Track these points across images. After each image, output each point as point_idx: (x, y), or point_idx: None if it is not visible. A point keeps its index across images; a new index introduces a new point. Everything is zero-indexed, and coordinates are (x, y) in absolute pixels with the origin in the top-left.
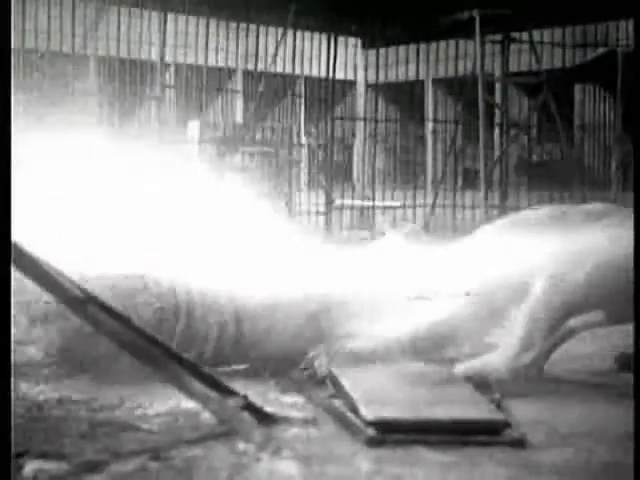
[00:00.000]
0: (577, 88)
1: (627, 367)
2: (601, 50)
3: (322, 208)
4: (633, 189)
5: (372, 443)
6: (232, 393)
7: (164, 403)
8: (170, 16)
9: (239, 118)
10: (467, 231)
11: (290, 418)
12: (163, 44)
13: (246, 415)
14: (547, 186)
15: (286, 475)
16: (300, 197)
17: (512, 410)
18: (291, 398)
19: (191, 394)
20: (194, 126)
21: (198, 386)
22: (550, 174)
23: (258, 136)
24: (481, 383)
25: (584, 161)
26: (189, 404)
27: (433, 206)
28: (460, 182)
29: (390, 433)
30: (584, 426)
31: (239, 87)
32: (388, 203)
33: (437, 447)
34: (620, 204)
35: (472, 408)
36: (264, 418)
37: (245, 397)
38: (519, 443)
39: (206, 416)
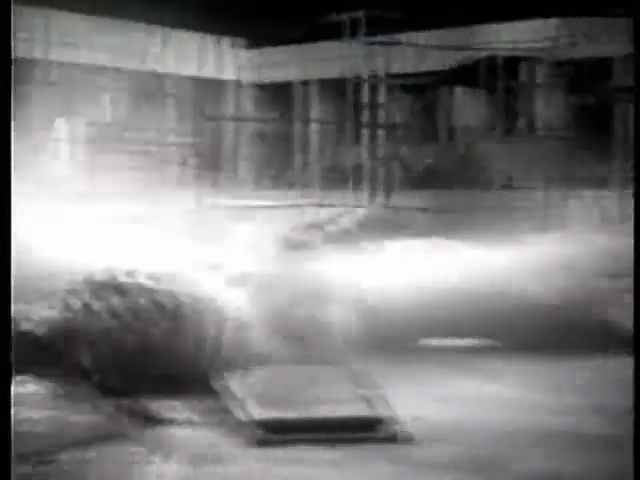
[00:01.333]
0: (457, 90)
1: None
2: (483, 54)
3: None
4: (633, 189)
5: (260, 443)
6: (119, 394)
7: (54, 407)
8: (38, 11)
9: (109, 117)
10: None
11: (176, 419)
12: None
13: (137, 418)
14: (431, 186)
15: (177, 477)
16: (172, 196)
17: (394, 405)
18: (182, 401)
19: (81, 398)
20: (60, 124)
21: (91, 389)
22: (433, 174)
23: (130, 135)
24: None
25: (465, 162)
26: (80, 407)
27: (320, 206)
28: (349, 182)
29: (277, 433)
30: (465, 422)
31: (118, 86)
32: (263, 203)
33: (323, 445)
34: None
35: (356, 405)
36: (150, 419)
37: (136, 400)
38: (392, 438)
39: (97, 419)
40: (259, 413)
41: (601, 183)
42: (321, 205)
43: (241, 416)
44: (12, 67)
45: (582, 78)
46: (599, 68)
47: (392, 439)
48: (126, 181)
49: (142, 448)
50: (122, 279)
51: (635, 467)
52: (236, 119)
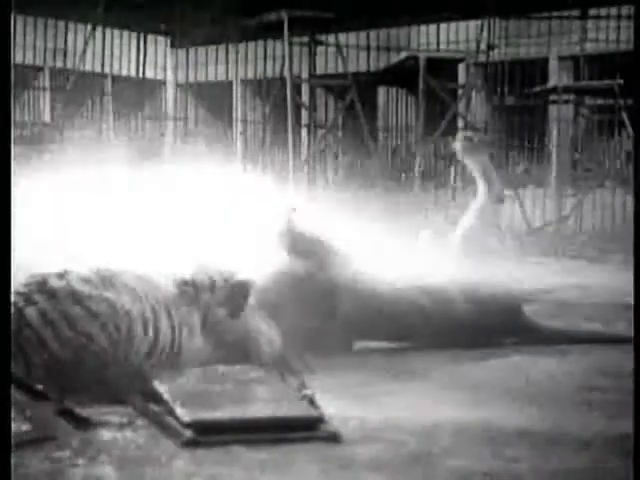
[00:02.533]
0: (381, 91)
1: None
2: (404, 54)
3: None
4: (633, 189)
5: (189, 444)
6: (47, 398)
7: None
8: None
9: (47, 117)
10: None
11: (107, 422)
12: None
13: (62, 420)
14: (353, 186)
15: (103, 479)
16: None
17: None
18: (113, 405)
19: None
20: None
21: (12, 391)
22: (355, 174)
23: (67, 135)
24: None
25: (387, 162)
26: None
27: None
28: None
29: (207, 434)
30: (395, 419)
31: (47, 85)
32: None
33: (254, 445)
34: (421, 204)
35: (287, 405)
36: (81, 423)
37: (61, 402)
38: (334, 438)
39: (19, 422)
40: (188, 413)
41: (521, 183)
42: None
43: (169, 418)
44: (12, 70)
45: (504, 79)
46: (520, 69)
47: (334, 438)
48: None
49: (68, 451)
50: (53, 282)
51: (635, 467)
52: (174, 119)
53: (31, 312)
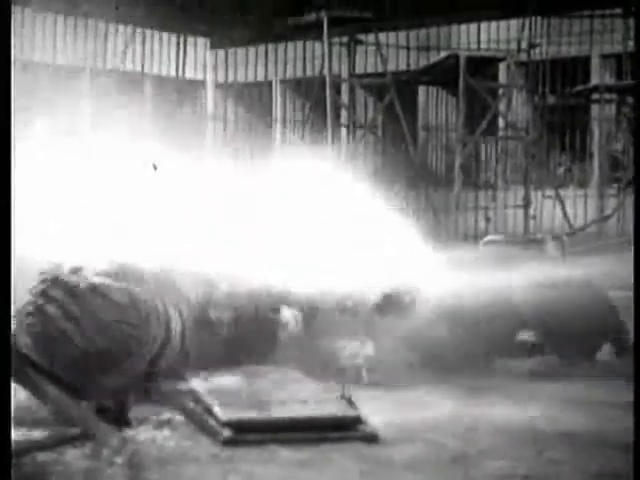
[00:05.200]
0: (421, 90)
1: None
2: (444, 53)
3: None
4: (633, 189)
5: (227, 443)
6: (82, 395)
7: (16, 408)
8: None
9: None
10: None
11: (146, 420)
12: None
13: (101, 419)
14: (393, 185)
15: (141, 477)
16: None
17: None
18: (149, 404)
19: (46, 399)
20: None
21: (53, 391)
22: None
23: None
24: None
25: (427, 161)
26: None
27: None
28: None
29: (245, 433)
30: (433, 420)
31: (87, 85)
32: None
33: (291, 445)
34: (462, 202)
35: (324, 405)
36: (119, 421)
37: (101, 401)
38: (372, 438)
39: (60, 420)
40: (226, 413)
41: (563, 183)
42: None
43: (208, 417)
44: (12, 68)
45: (545, 78)
46: (562, 68)
47: (372, 438)
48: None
49: (107, 449)
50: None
51: (635, 467)
52: (213, 119)
53: (52, 309)
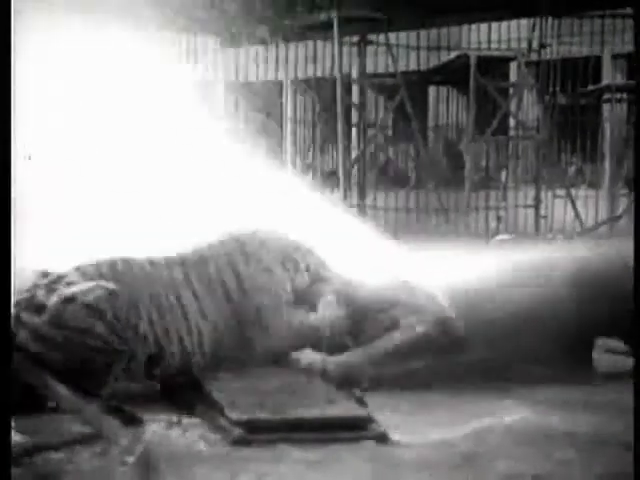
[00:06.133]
0: (431, 90)
1: None
2: (455, 53)
3: None
4: (633, 189)
5: (238, 443)
6: (98, 397)
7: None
8: None
9: None
10: None
11: (156, 420)
12: None
13: (112, 418)
14: (404, 185)
15: (151, 477)
16: None
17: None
18: (159, 402)
19: (57, 399)
20: None
21: (64, 391)
22: (407, 174)
23: None
24: (344, 381)
25: (437, 161)
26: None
27: None
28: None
29: (256, 433)
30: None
31: None
32: None
33: (302, 445)
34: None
35: (335, 406)
36: (130, 420)
37: (111, 400)
38: (382, 438)
39: (71, 419)
40: (237, 412)
41: (574, 183)
42: None
43: (219, 416)
44: (12, 67)
45: (556, 78)
46: (573, 68)
47: (383, 438)
48: None
49: (117, 449)
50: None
51: (635, 467)
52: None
53: (23, 335)
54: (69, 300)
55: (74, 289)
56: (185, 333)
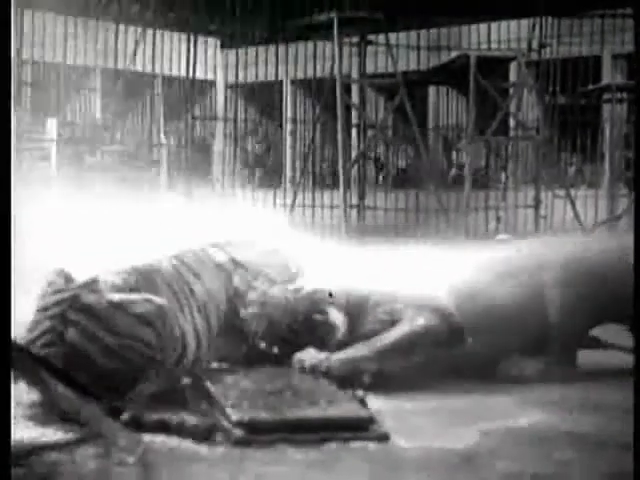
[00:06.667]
0: (431, 90)
1: None
2: (454, 53)
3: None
4: (633, 189)
5: (239, 443)
6: (96, 396)
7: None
8: (27, 12)
9: (98, 117)
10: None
11: (158, 422)
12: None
13: (111, 419)
14: (403, 185)
15: (152, 477)
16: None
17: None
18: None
19: (57, 399)
20: (52, 124)
21: (64, 390)
22: (407, 174)
23: (117, 135)
24: (345, 381)
25: (438, 161)
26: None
27: (292, 206)
28: (320, 182)
29: (256, 433)
30: (445, 420)
31: (97, 86)
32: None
33: (302, 445)
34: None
35: (337, 406)
36: (132, 423)
37: (111, 401)
38: (384, 438)
39: (70, 420)
40: (238, 413)
41: (573, 183)
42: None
43: (220, 417)
44: (12, 67)
45: (556, 78)
46: (573, 68)
47: (384, 438)
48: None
49: (117, 450)
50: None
51: (635, 467)
52: (224, 119)
53: (73, 334)
54: (117, 306)
55: (122, 296)
56: (192, 337)
